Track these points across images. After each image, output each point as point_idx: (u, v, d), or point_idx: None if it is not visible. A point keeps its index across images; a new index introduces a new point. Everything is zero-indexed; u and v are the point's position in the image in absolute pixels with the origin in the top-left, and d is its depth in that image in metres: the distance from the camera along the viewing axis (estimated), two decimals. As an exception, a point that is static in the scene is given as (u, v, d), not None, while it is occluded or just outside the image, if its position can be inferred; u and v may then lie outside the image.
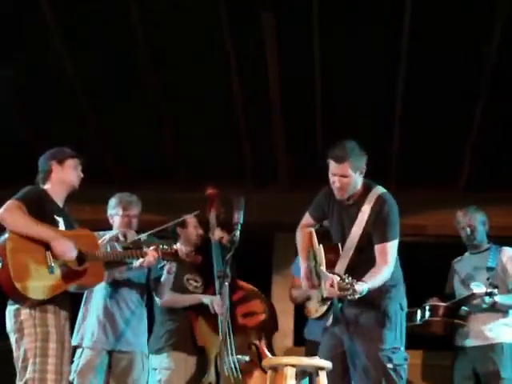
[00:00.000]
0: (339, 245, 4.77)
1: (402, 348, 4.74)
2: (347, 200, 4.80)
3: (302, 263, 4.94)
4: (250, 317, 5.95)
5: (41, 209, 4.74)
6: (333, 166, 4.72)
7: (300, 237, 5.04)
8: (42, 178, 4.94)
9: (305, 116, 7.01)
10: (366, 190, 4.79)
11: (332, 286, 4.41)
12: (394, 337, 4.70)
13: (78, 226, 5.02)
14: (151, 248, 5.21)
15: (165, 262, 5.44)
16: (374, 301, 4.64)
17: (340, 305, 4.75)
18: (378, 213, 4.67)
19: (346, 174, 4.69)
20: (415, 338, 5.86)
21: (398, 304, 4.75)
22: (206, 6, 6.34)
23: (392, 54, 6.41)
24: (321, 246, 4.81)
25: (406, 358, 4.73)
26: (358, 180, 4.75)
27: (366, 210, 4.71)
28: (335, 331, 4.79)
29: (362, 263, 4.68)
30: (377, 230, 4.68)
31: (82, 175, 4.99)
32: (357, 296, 4.38)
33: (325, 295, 4.65)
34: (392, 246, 4.67)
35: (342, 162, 4.68)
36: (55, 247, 4.61)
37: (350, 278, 4.39)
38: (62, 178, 4.92)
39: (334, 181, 4.73)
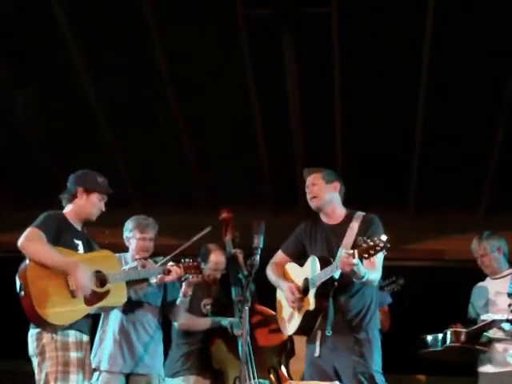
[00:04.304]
0: (331, 259, 4.89)
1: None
2: (332, 221, 5.07)
3: (283, 285, 5.08)
4: (272, 335, 5.93)
5: (59, 234, 4.77)
6: (307, 180, 5.17)
7: (272, 269, 5.22)
8: (67, 199, 4.99)
9: (325, 137, 7.05)
10: (350, 213, 5.10)
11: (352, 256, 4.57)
12: (379, 360, 4.91)
13: (98, 246, 5.07)
14: (171, 263, 5.27)
15: (188, 276, 5.42)
16: (359, 326, 4.90)
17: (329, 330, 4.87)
18: (367, 227, 4.86)
19: (316, 182, 5.10)
20: (436, 364, 5.83)
21: (377, 329, 5.00)
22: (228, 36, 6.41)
23: (413, 79, 6.45)
24: (314, 257, 4.95)
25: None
26: (331, 193, 5.09)
27: (354, 226, 4.96)
28: (321, 364, 4.95)
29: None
30: None
31: (103, 209, 5.02)
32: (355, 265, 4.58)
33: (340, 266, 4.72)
34: (379, 258, 4.88)
35: (313, 172, 5.17)
36: (74, 279, 4.60)
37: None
38: (83, 206, 4.95)
39: (308, 192, 5.06)
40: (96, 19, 6.64)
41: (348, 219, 5.04)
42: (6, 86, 6.97)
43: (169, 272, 5.26)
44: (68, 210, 4.96)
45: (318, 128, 6.95)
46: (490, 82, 6.48)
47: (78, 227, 4.95)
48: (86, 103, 7.12)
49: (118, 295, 4.89)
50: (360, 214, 5.05)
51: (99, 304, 4.77)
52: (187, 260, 5.32)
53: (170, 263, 5.30)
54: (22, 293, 4.58)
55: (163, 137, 7.38)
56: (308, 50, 6.30)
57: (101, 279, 4.79)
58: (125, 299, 5.02)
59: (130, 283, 5.08)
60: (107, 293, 4.79)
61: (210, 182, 7.64)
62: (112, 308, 5.13)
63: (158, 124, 7.32)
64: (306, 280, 4.98)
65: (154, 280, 5.30)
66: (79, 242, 4.88)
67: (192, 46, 6.65)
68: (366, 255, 4.57)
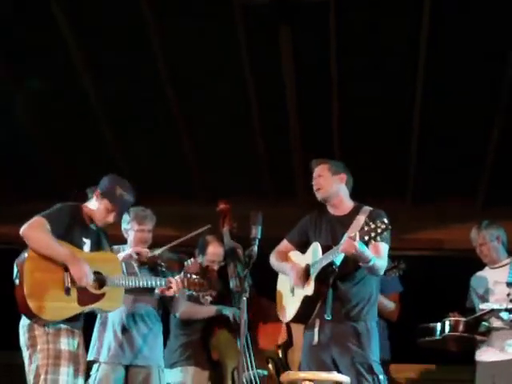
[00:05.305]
0: (333, 246, 4.90)
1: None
2: (339, 212, 5.09)
3: (285, 266, 5.13)
4: (271, 325, 5.92)
5: (67, 229, 4.74)
6: (314, 171, 5.18)
7: (275, 257, 5.27)
8: (91, 193, 5.00)
9: (322, 130, 7.06)
10: (358, 206, 5.11)
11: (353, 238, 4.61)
12: (377, 350, 4.94)
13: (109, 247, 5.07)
14: (177, 277, 5.24)
15: (192, 292, 5.41)
16: (357, 316, 4.92)
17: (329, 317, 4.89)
18: (374, 219, 4.77)
19: (322, 174, 5.11)
20: (435, 353, 5.81)
21: (374, 321, 5.02)
22: (227, 33, 6.45)
23: (409, 72, 6.48)
24: (317, 243, 4.97)
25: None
26: (337, 184, 5.09)
27: (360, 218, 4.94)
28: (319, 353, 4.95)
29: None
30: None
31: (111, 221, 4.94)
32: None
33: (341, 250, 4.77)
34: (385, 247, 4.93)
35: (320, 164, 5.19)
36: (73, 271, 4.59)
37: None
38: (95, 208, 4.92)
39: (314, 184, 5.11)
40: (96, 19, 6.66)
41: (355, 211, 5.06)
42: (5, 86, 7.00)
43: (169, 287, 5.24)
44: (87, 204, 4.96)
45: (315, 122, 6.96)
46: (486, 76, 6.49)
47: (91, 224, 4.94)
48: (86, 103, 7.13)
49: (114, 299, 4.86)
50: (367, 209, 5.06)
51: (93, 306, 4.75)
52: (193, 276, 5.30)
53: (177, 277, 5.27)
54: (17, 281, 4.56)
55: (163, 137, 7.38)
56: (305, 44, 6.32)
57: (99, 281, 4.77)
58: (120, 305, 5.00)
59: (130, 291, 5.06)
60: (103, 295, 4.76)
61: (209, 181, 7.64)
62: (105, 312, 5.08)
63: (158, 124, 7.34)
64: (307, 266, 4.98)
65: (154, 291, 5.31)
66: (87, 241, 4.86)
67: (191, 45, 6.67)
68: (367, 237, 4.59)
